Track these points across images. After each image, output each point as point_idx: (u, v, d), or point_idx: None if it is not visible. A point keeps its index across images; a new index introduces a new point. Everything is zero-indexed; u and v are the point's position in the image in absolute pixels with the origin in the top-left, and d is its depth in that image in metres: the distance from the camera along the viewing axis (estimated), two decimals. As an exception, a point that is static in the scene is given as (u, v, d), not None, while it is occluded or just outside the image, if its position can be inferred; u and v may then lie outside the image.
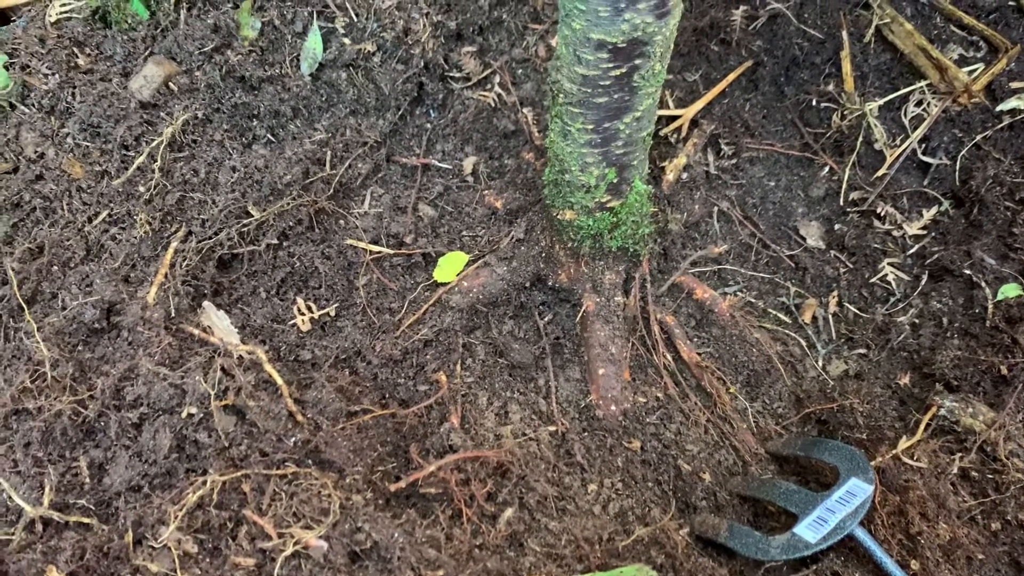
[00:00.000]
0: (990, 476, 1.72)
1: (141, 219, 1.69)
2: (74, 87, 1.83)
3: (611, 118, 1.53)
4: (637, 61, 1.41)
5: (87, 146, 1.78)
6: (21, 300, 1.57)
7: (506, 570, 1.54)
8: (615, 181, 1.68)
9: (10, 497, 1.34)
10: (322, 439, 1.56)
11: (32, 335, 1.51)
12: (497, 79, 2.18)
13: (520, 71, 2.20)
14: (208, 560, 1.36)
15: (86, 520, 1.37)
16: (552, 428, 1.89)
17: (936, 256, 2.06)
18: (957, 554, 1.59)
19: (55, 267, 1.66)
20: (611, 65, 1.41)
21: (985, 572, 1.60)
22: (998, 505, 1.68)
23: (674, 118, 2.22)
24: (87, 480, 1.41)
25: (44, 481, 1.38)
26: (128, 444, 1.46)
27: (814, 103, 2.22)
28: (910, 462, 1.73)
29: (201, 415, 1.48)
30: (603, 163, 1.63)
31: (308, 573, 1.38)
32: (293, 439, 1.53)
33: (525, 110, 2.15)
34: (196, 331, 1.60)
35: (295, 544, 1.39)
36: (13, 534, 1.30)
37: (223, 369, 1.53)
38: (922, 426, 1.81)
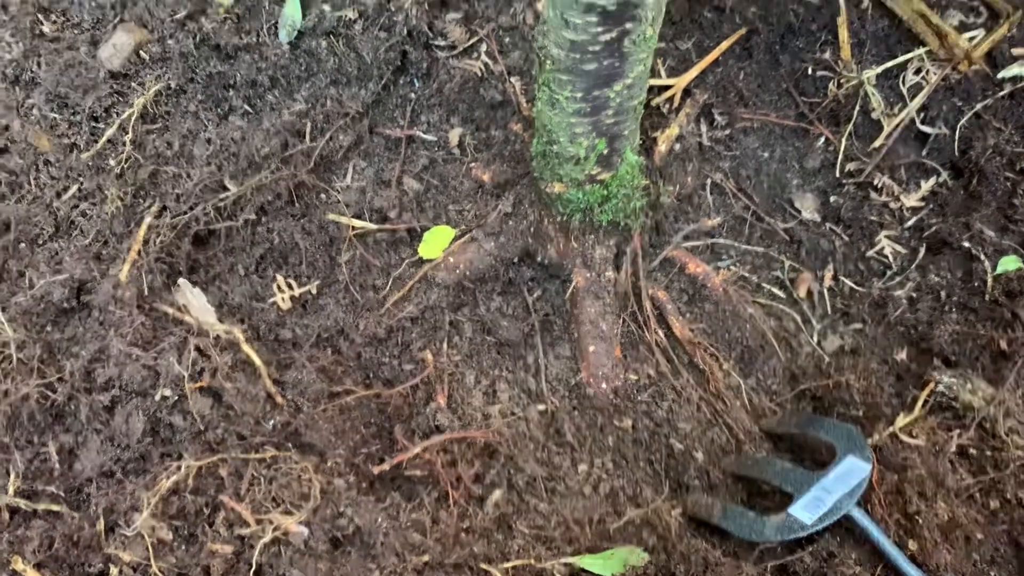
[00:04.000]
0: (989, 453, 1.68)
1: (112, 194, 1.62)
2: (39, 56, 1.75)
3: (601, 85, 1.46)
4: (628, 25, 1.34)
5: (54, 118, 1.71)
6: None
7: (494, 554, 1.50)
8: (605, 152, 1.62)
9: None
10: (302, 421, 1.51)
11: (-3, 315, 1.45)
12: (484, 47, 2.11)
13: (507, 39, 2.13)
14: (184, 547, 1.31)
15: (55, 508, 1.32)
16: (541, 407, 1.85)
17: (934, 228, 2.02)
18: (955, 533, 1.56)
19: (22, 244, 1.60)
20: (601, 29, 1.34)
21: (984, 551, 1.57)
22: (997, 483, 1.65)
23: (666, 87, 2.15)
24: (56, 466, 1.36)
25: (10, 468, 1.32)
26: (99, 428, 1.40)
27: (810, 71, 2.16)
28: (908, 440, 1.69)
29: (175, 397, 1.43)
30: (593, 133, 1.57)
31: (288, 560, 1.33)
32: (272, 422, 1.48)
33: (513, 79, 2.08)
34: (171, 310, 1.54)
35: (274, 530, 1.34)
36: (-23, 524, 1.25)
37: (198, 349, 1.47)
38: (920, 403, 1.77)
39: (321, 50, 1.95)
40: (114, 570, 1.26)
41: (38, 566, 1.23)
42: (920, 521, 1.55)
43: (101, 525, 1.30)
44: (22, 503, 1.29)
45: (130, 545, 1.28)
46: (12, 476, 1.31)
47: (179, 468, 1.35)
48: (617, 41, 1.37)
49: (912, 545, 1.53)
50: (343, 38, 1.98)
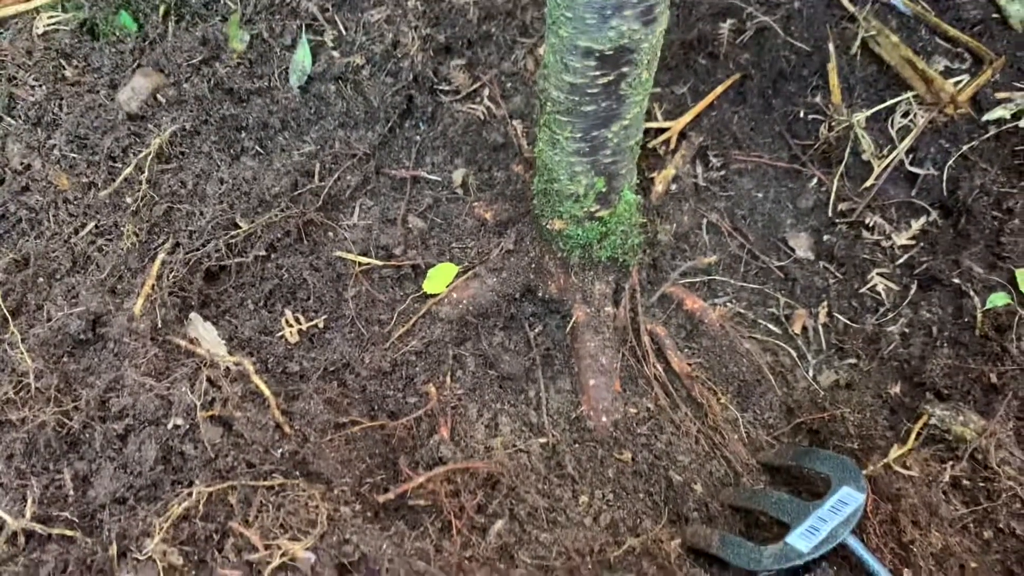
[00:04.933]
0: (981, 484, 1.71)
1: (128, 231, 1.68)
2: (61, 99, 1.82)
3: (599, 126, 1.53)
4: (624, 68, 1.41)
5: (74, 158, 1.77)
6: (6, 311, 1.55)
7: (497, 582, 1.52)
8: (604, 190, 1.68)
9: (-9, 510, 1.32)
10: (309, 450, 1.54)
11: (16, 346, 1.49)
12: (486, 92, 2.18)
13: (509, 84, 2.20)
14: (194, 572, 1.34)
15: (69, 532, 1.35)
16: (543, 439, 1.88)
17: (925, 266, 2.07)
18: (950, 562, 1.58)
19: (40, 279, 1.65)
20: (598, 73, 1.41)
21: (979, 580, 1.59)
22: (990, 513, 1.68)
23: (663, 130, 2.23)
24: (71, 492, 1.39)
25: (27, 493, 1.36)
26: (113, 456, 1.44)
27: (802, 115, 2.24)
28: (901, 471, 1.72)
29: (187, 427, 1.47)
30: (592, 172, 1.64)
31: (295, 586, 1.36)
32: (280, 450, 1.51)
33: (514, 123, 2.15)
34: (183, 343, 1.58)
35: (282, 556, 1.37)
36: (-5, 547, 1.28)
37: (210, 380, 1.51)
38: (913, 435, 1.81)
39: (330, 94, 2.03)
40: (125, 594, 1.28)
41: (53, 589, 1.26)
42: (915, 550, 1.58)
43: (114, 550, 1.33)
44: (38, 527, 1.32)
45: (142, 569, 1.31)
46: (29, 501, 1.34)
47: (190, 495, 1.38)
48: (614, 84, 1.44)
49: (907, 574, 1.56)
50: (351, 83, 2.06)
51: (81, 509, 1.39)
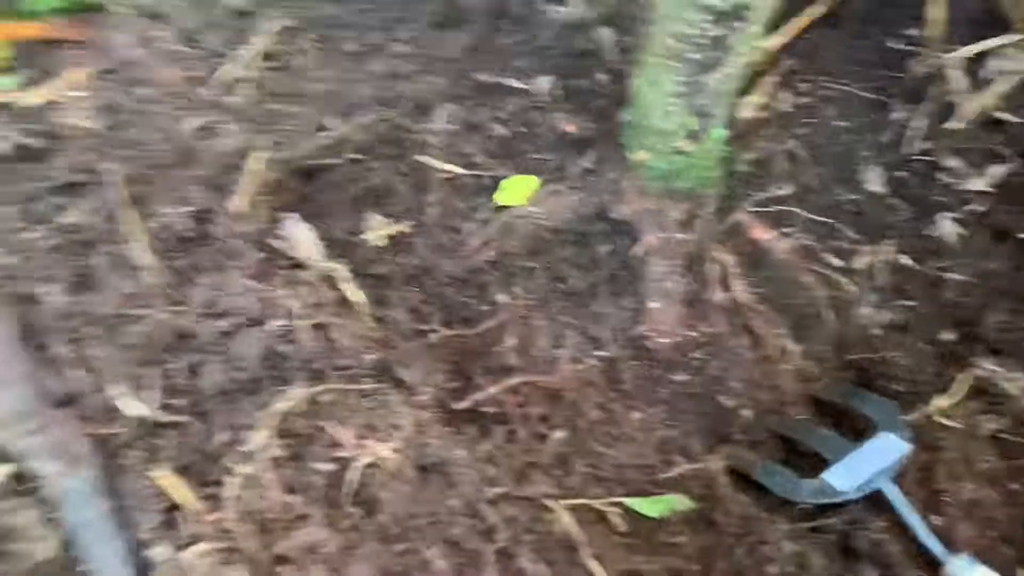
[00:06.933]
0: (1020, 440, 1.80)
1: (232, 129, 1.74)
2: (172, -8, 1.85)
3: (702, 72, 1.54)
4: (736, 23, 1.41)
5: (183, 51, 1.81)
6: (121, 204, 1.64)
7: (555, 491, 1.67)
8: (695, 129, 1.71)
9: (117, 396, 1.46)
10: (395, 357, 1.66)
11: (133, 240, 1.59)
12: (579, -7, 2.15)
13: (603, -15, 2.16)
14: (292, 464, 1.49)
15: (184, 419, 1.50)
16: (604, 354, 1.98)
17: (997, 216, 2.08)
18: (977, 512, 1.70)
19: (149, 170, 1.73)
20: (710, 25, 1.41)
21: (1001, 530, 1.71)
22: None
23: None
24: (183, 383, 1.53)
25: (145, 382, 1.50)
26: (220, 351, 1.57)
27: (896, 46, 2.19)
28: (944, 420, 1.81)
29: (286, 328, 1.58)
30: (687, 112, 1.65)
31: (380, 482, 1.51)
32: (369, 356, 1.63)
33: (604, 29, 2.13)
34: (282, 245, 1.68)
35: (370, 454, 1.51)
36: (121, 431, 1.43)
37: (307, 284, 1.61)
38: (961, 386, 1.88)
39: (425, -9, 2.02)
40: (233, 481, 1.44)
41: (172, 472, 1.42)
42: (947, 499, 1.70)
43: (222, 438, 1.48)
44: (160, 414, 1.47)
45: (246, 458, 1.46)
46: (152, 390, 1.48)
47: (289, 394, 1.52)
48: (724, 37, 1.44)
49: (935, 520, 1.68)
50: (446, -21, 2.04)
51: (192, 398, 1.53)
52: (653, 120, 1.70)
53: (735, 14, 1.37)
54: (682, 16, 1.39)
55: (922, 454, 1.76)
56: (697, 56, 1.48)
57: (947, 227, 2.12)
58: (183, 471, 1.44)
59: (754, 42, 1.48)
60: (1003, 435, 1.81)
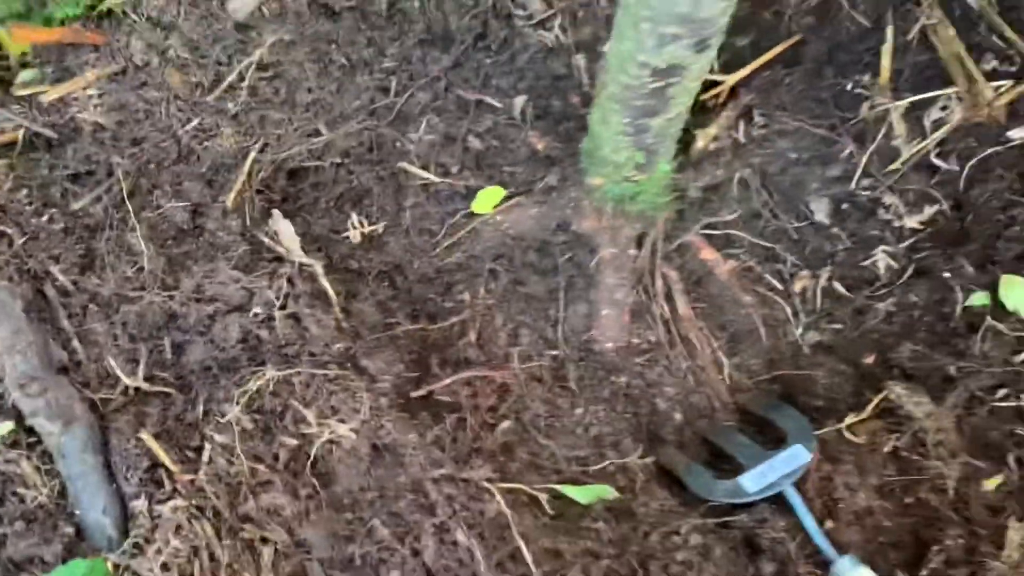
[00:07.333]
0: (915, 458, 2.00)
1: (227, 131, 1.93)
2: (180, 4, 2.03)
3: (645, 116, 1.73)
4: (673, 80, 1.60)
5: (187, 59, 2.00)
6: (125, 193, 1.84)
7: (495, 473, 1.87)
8: (642, 162, 1.90)
9: (111, 366, 1.66)
10: (360, 347, 1.86)
11: (133, 228, 1.79)
12: (558, 20, 2.33)
13: (580, 14, 2.34)
14: (261, 436, 1.69)
15: (168, 390, 1.70)
16: (555, 353, 2.18)
17: (925, 253, 2.26)
18: (868, 520, 1.90)
19: (152, 165, 1.92)
20: (650, 80, 1.60)
21: (889, 537, 1.91)
22: (916, 484, 1.97)
23: (716, 83, 2.37)
24: (169, 357, 1.74)
25: (138, 356, 1.70)
26: (203, 332, 1.77)
27: (850, 88, 2.36)
28: (851, 436, 2.01)
29: (264, 316, 1.78)
30: (633, 148, 1.85)
31: (337, 458, 1.71)
32: (337, 345, 1.83)
33: (579, 55, 2.32)
34: (267, 240, 1.87)
35: (330, 433, 1.71)
36: (113, 397, 1.64)
37: (288, 280, 1.81)
38: (871, 406, 2.08)
39: (414, 11, 2.20)
40: (208, 447, 1.65)
41: (155, 436, 1.62)
42: (841, 506, 1.90)
43: (201, 410, 1.69)
44: (145, 385, 1.67)
45: (222, 430, 1.67)
46: (140, 363, 1.69)
47: (263, 374, 1.72)
48: (663, 89, 1.63)
49: (828, 523, 1.89)
50: (434, 0, 2.22)
51: (177, 372, 1.74)
52: (605, 152, 1.89)
53: (671, 72, 1.55)
54: (626, 71, 1.58)
55: (825, 465, 1.97)
56: (640, 103, 1.67)
57: (881, 260, 2.31)
58: (165, 436, 1.64)
59: (692, 94, 1.67)
60: (903, 452, 2.01)
